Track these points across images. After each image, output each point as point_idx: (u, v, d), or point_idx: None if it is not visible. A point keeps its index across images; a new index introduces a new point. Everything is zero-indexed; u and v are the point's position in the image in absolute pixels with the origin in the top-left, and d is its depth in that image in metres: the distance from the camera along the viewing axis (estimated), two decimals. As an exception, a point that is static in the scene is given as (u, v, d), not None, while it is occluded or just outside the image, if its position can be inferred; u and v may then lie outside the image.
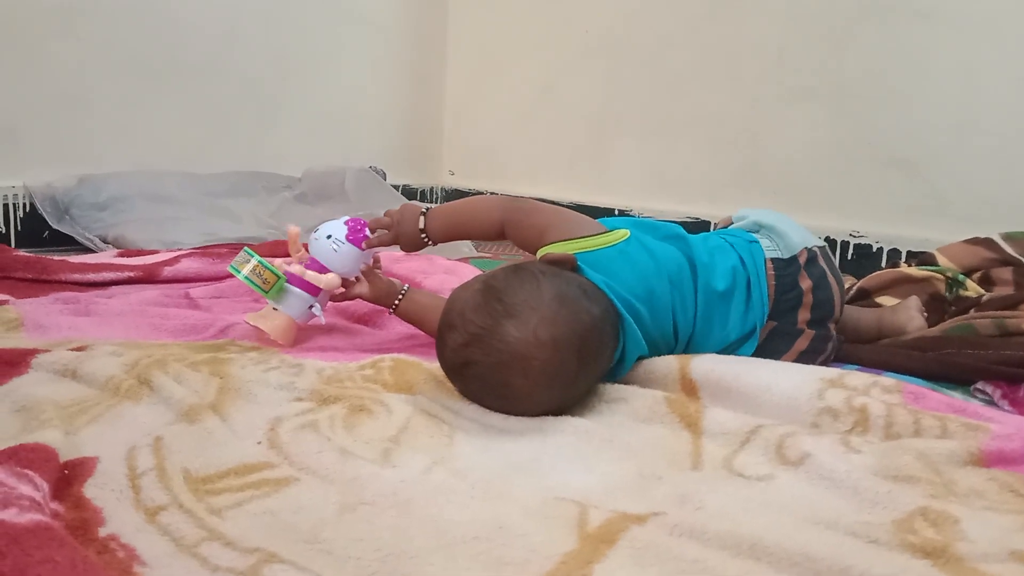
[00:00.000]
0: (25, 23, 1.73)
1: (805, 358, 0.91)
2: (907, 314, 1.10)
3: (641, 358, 0.86)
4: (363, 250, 0.98)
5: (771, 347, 0.89)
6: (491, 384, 0.74)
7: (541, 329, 0.72)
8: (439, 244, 0.98)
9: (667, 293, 0.85)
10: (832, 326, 0.93)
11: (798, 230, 0.94)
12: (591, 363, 0.77)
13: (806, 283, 0.89)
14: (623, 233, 0.88)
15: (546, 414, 0.75)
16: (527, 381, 0.73)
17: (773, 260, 0.90)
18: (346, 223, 0.98)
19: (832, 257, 0.96)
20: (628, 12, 2.12)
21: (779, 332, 0.89)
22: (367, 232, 0.98)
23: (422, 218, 0.96)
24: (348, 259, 0.98)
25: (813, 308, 0.90)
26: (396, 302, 1.00)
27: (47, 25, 1.76)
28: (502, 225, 0.93)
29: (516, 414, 0.75)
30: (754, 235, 0.94)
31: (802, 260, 0.91)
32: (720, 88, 1.94)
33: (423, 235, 0.97)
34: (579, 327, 0.74)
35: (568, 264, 0.82)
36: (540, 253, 0.88)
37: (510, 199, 0.95)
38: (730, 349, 0.89)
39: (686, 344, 0.88)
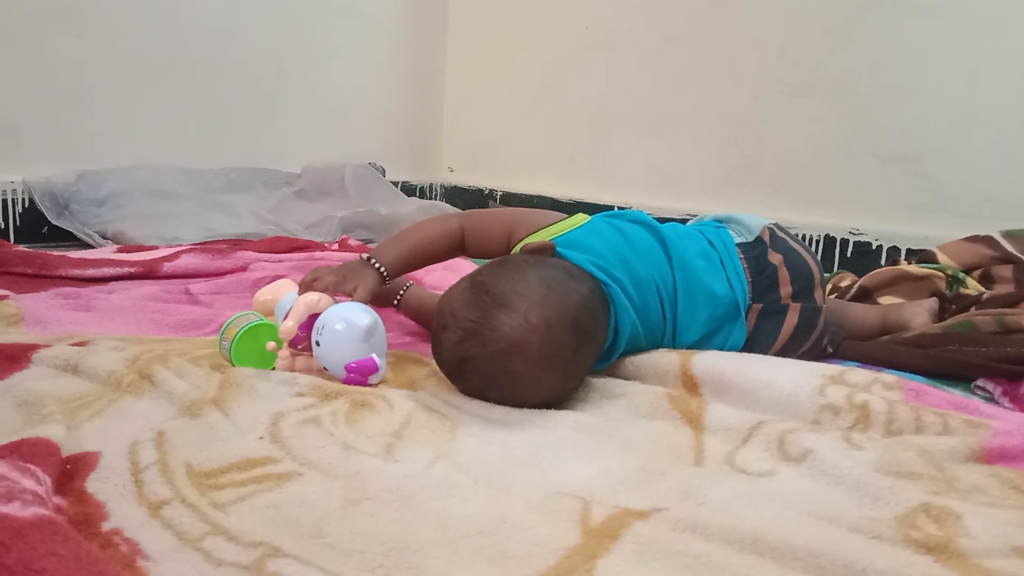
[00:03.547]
0: (25, 19, 1.72)
1: (800, 334, 0.91)
2: (913, 310, 1.11)
3: (639, 350, 0.86)
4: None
5: (764, 329, 0.90)
6: (492, 375, 0.74)
7: (531, 313, 0.73)
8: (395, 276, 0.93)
9: (645, 266, 0.86)
10: (819, 295, 0.93)
11: (753, 217, 0.96)
12: (588, 341, 0.78)
13: (776, 258, 0.91)
14: (584, 216, 0.91)
15: (551, 399, 0.76)
16: (528, 365, 0.73)
17: (740, 245, 0.91)
18: (348, 368, 0.80)
19: (786, 230, 0.98)
20: (628, 8, 2.11)
21: (767, 312, 0.90)
22: (368, 380, 0.81)
23: (366, 256, 0.92)
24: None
25: (792, 280, 0.90)
26: (397, 299, 1.02)
27: (47, 22, 1.75)
28: (462, 233, 0.93)
29: (522, 403, 0.75)
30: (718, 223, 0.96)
31: (766, 238, 0.92)
32: (721, 84, 1.94)
33: (372, 261, 0.90)
34: (569, 306, 0.75)
35: (549, 251, 0.84)
36: (517, 248, 0.89)
37: (460, 212, 0.95)
38: (720, 334, 0.88)
39: (673, 321, 0.88)
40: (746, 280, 0.89)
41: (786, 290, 0.90)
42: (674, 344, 0.88)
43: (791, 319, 0.90)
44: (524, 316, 0.73)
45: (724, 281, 0.88)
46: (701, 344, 0.88)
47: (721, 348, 0.88)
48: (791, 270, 0.91)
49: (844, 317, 1.10)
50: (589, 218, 0.91)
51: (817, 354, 0.95)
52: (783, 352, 0.91)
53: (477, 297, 0.75)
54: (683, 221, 1.02)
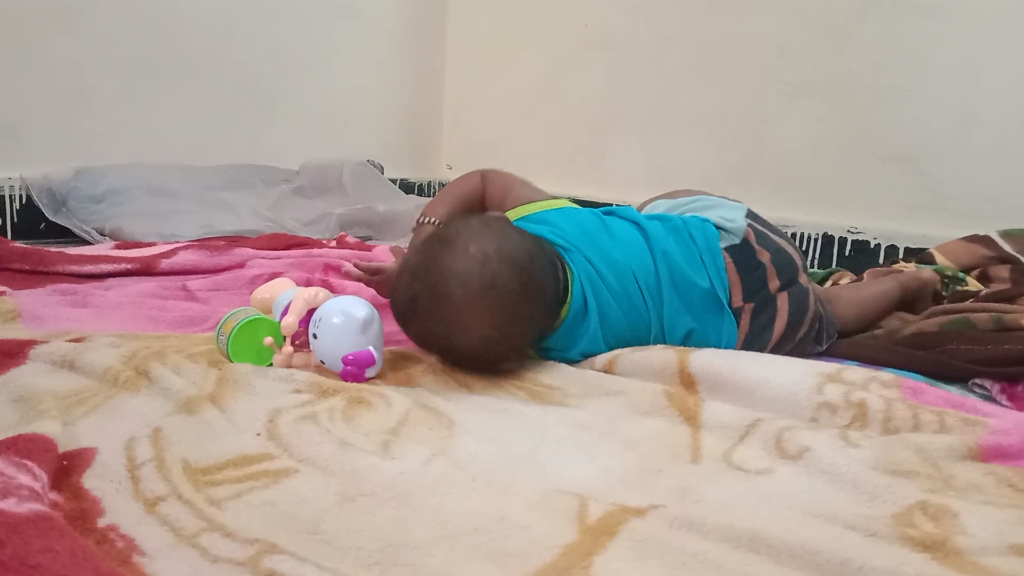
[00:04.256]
0: (25, 19, 1.72)
1: (795, 319, 0.92)
2: (919, 270, 1.17)
3: (627, 342, 0.88)
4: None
5: (759, 323, 0.91)
6: (435, 309, 0.79)
7: (472, 245, 0.79)
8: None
9: (623, 252, 0.89)
10: (803, 279, 0.96)
11: (732, 209, 0.98)
12: (530, 281, 0.81)
13: (764, 256, 0.92)
14: (565, 202, 0.98)
15: (493, 341, 0.80)
16: (466, 293, 0.77)
17: (727, 249, 0.92)
18: (345, 360, 0.79)
19: (757, 215, 1.00)
20: (628, 8, 2.11)
21: (759, 308, 0.91)
22: (365, 374, 0.81)
23: (423, 219, 1.01)
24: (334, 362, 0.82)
25: (779, 275, 0.92)
26: None
27: (47, 21, 1.75)
28: (483, 181, 1.04)
29: (466, 343, 0.79)
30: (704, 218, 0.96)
31: (752, 239, 0.93)
32: (721, 83, 1.94)
33: (430, 221, 1.00)
34: (507, 242, 0.81)
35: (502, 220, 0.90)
36: None
37: (483, 169, 1.07)
38: (711, 332, 0.89)
39: (660, 311, 0.88)
40: (727, 278, 0.90)
41: (774, 284, 0.92)
42: (664, 337, 0.89)
43: (782, 307, 0.92)
44: (465, 248, 0.79)
45: (704, 276, 0.89)
46: (692, 342, 0.89)
47: (716, 344, 0.89)
48: (776, 264, 0.92)
49: (863, 294, 1.14)
50: (570, 204, 0.97)
51: (814, 338, 0.97)
52: (783, 341, 0.92)
53: (426, 245, 0.83)
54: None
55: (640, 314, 0.88)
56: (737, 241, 0.92)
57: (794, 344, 0.94)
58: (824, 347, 1.00)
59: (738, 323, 0.89)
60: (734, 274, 0.90)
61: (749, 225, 0.94)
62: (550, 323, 0.86)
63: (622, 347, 0.88)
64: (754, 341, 0.90)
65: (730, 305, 0.89)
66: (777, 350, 0.92)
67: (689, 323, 0.88)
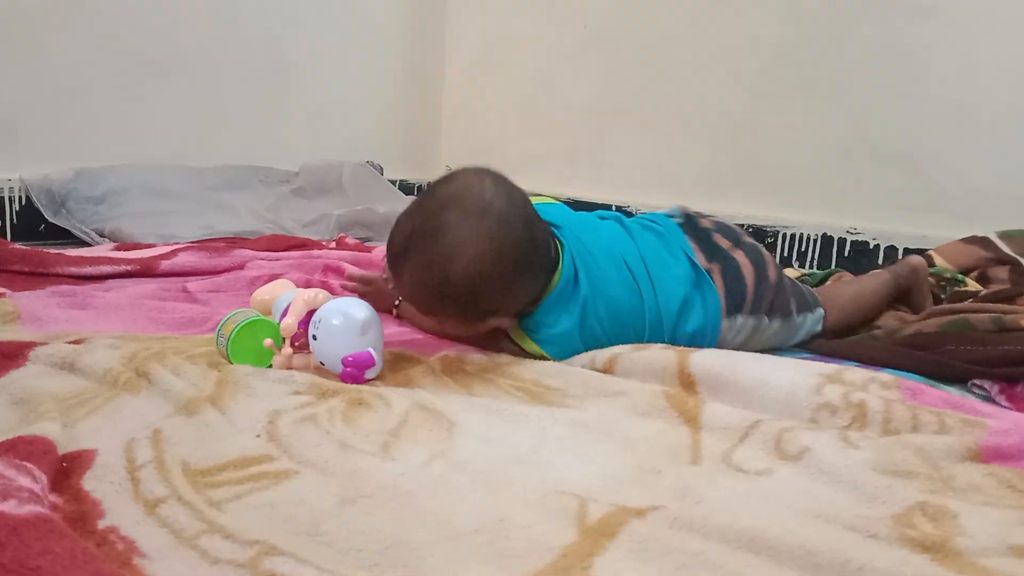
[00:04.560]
0: (24, 17, 1.72)
1: (758, 265, 0.98)
2: (911, 258, 1.20)
3: (623, 321, 0.90)
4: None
5: (731, 277, 0.96)
6: (431, 236, 0.79)
7: (469, 177, 0.83)
8: None
9: (610, 238, 0.93)
10: (746, 239, 1.03)
11: (669, 211, 1.05)
12: (526, 221, 0.83)
13: (708, 223, 1.01)
14: (553, 199, 1.01)
15: (484, 274, 0.79)
16: (461, 215, 0.79)
17: (680, 227, 1.00)
18: (345, 362, 0.79)
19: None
20: (627, 6, 2.11)
21: (724, 265, 0.97)
22: (364, 376, 0.81)
23: None
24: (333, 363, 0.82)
25: (724, 237, 1.00)
26: (396, 303, 1.06)
27: (46, 19, 1.75)
28: None
29: (467, 271, 0.79)
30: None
31: (691, 213, 1.03)
32: (719, 83, 1.94)
33: None
34: (504, 184, 0.83)
35: None
36: None
37: None
38: (696, 301, 0.93)
39: (651, 284, 0.92)
40: (693, 251, 0.96)
41: (725, 244, 0.99)
42: (659, 309, 0.92)
43: (742, 259, 0.98)
44: (463, 181, 0.82)
45: (680, 253, 0.95)
46: (686, 312, 0.92)
47: (703, 313, 0.93)
48: (719, 230, 1.01)
49: (855, 287, 1.17)
50: (557, 201, 1.00)
51: (797, 300, 1.01)
52: (761, 287, 0.96)
53: (425, 190, 0.85)
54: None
55: (630, 287, 0.91)
56: (682, 220, 1.01)
57: (775, 290, 0.98)
58: (815, 313, 1.03)
59: (713, 285, 0.95)
60: (693, 243, 0.97)
61: (682, 208, 1.03)
62: (542, 286, 0.87)
63: (617, 324, 0.90)
64: (734, 294, 0.95)
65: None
66: (761, 299, 0.96)
67: (682, 289, 0.93)
